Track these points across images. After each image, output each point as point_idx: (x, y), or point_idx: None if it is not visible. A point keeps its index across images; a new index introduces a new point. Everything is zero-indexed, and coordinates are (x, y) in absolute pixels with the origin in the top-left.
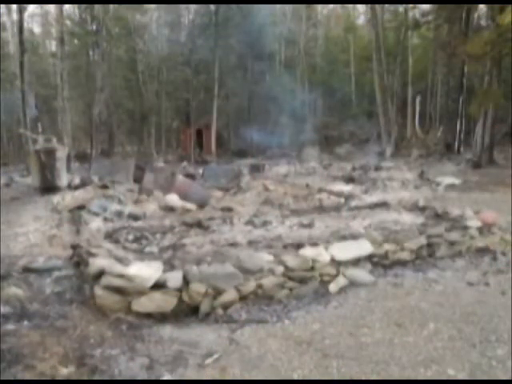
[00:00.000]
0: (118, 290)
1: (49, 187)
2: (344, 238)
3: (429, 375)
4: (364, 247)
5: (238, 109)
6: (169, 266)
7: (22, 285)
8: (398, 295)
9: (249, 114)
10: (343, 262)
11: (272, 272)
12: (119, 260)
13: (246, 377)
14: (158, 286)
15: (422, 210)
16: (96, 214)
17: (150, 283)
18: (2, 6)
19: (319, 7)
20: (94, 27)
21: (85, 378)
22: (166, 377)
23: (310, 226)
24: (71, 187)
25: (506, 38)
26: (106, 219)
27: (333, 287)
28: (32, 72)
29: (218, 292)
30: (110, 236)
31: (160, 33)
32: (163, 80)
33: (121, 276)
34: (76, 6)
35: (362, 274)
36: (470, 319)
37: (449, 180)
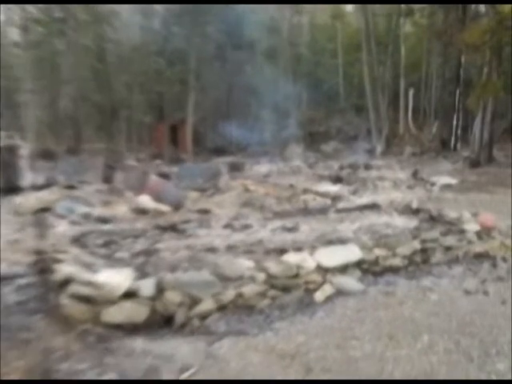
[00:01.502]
0: (85, 299)
1: (11, 187)
2: (331, 242)
3: None
4: (353, 253)
5: (215, 102)
6: (141, 272)
7: None
8: (389, 305)
9: (228, 109)
10: (330, 268)
11: (253, 280)
12: (87, 266)
13: None
14: (129, 294)
15: (416, 212)
16: (62, 217)
17: (121, 292)
18: None
19: None
20: (61, 14)
21: None
22: None
23: (294, 229)
24: (35, 187)
25: (506, 26)
26: (72, 222)
27: (319, 296)
28: None
29: (195, 301)
30: (77, 240)
31: (131, 20)
32: (135, 71)
33: (89, 284)
34: None
35: (350, 281)
36: (467, 330)
37: (444, 180)
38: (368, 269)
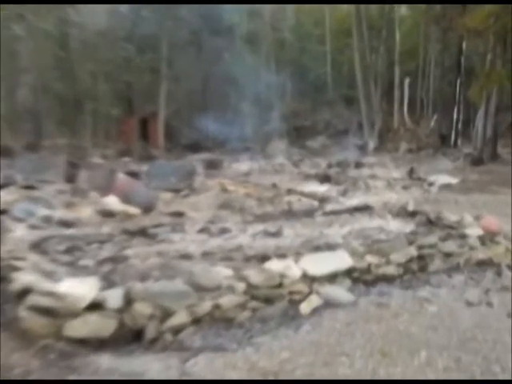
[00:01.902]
0: (46, 312)
1: None
2: (318, 248)
3: None
4: (342, 260)
5: (190, 93)
6: (107, 282)
7: None
8: (383, 317)
9: (204, 100)
10: (317, 277)
11: (231, 290)
12: (48, 275)
13: None
14: (95, 306)
15: (412, 215)
16: (20, 220)
17: (85, 303)
18: None
19: None
20: None
21: None
22: None
23: (277, 234)
24: None
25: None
26: (31, 226)
27: (305, 308)
28: None
29: (167, 314)
30: (37, 246)
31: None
32: (101, 59)
33: (50, 294)
34: None
35: (339, 291)
36: (469, 346)
37: (444, 179)
38: (359, 278)
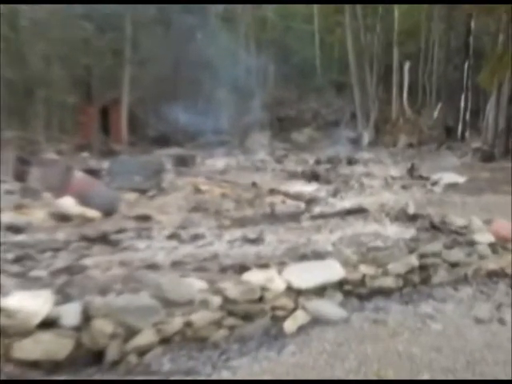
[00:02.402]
0: None
1: None
2: (305, 257)
3: None
4: (332, 270)
5: (158, 79)
6: (63, 296)
7: None
8: (379, 336)
9: (173, 87)
10: (303, 290)
11: (205, 305)
12: None
13: None
14: (48, 323)
15: (413, 218)
16: None
17: (37, 320)
18: None
19: None
20: None
21: None
22: None
23: (257, 240)
24: None
25: None
26: None
27: (289, 325)
28: None
29: (131, 332)
30: None
31: None
32: (55, 39)
33: None
34: None
35: (329, 307)
36: (478, 369)
37: (449, 177)
38: (352, 291)
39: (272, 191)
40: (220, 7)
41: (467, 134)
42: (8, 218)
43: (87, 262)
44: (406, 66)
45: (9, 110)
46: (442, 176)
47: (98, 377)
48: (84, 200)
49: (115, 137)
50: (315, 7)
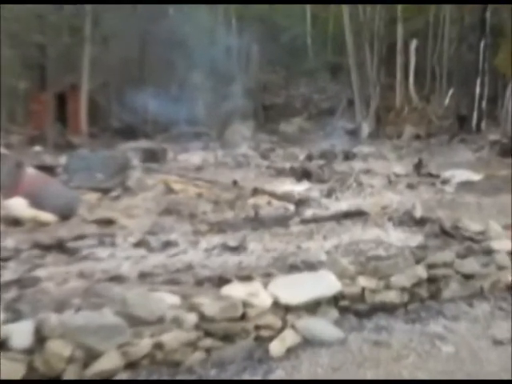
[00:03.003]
0: None
1: None
2: (294, 268)
3: None
4: (326, 283)
5: (123, 61)
6: (12, 313)
7: None
8: (381, 360)
9: (141, 70)
10: (293, 306)
11: (178, 323)
12: None
13: None
14: None
15: (420, 223)
16: None
17: None
18: None
19: None
20: None
21: None
22: None
23: (239, 248)
24: None
25: None
26: None
27: (277, 347)
28: None
29: (92, 355)
30: None
31: None
32: (3, 15)
33: None
34: None
35: (322, 326)
36: None
37: (463, 175)
38: (349, 307)
39: (256, 191)
40: None
41: (483, 124)
42: None
43: (41, 273)
44: (413, 45)
45: None
46: (454, 173)
47: None
48: (37, 201)
49: (73, 128)
50: None
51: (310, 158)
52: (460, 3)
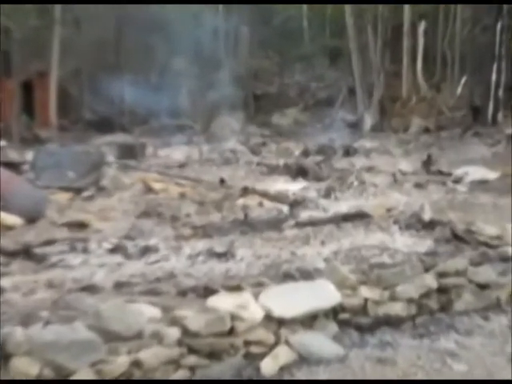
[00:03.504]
0: None
1: None
2: (288, 276)
3: None
4: (324, 294)
5: (97, 45)
6: None
7: None
8: (386, 379)
9: (117, 55)
10: (287, 320)
11: (159, 338)
12: None
13: None
14: None
15: (430, 226)
16: None
17: None
18: None
19: None
20: None
21: None
22: None
23: (227, 255)
24: None
25: None
26: None
27: (269, 366)
28: None
29: (62, 374)
30: None
31: None
32: None
33: None
34: None
35: (320, 341)
36: None
37: (477, 173)
38: (350, 320)
39: (246, 191)
40: None
41: (500, 116)
42: None
43: (5, 282)
44: (421, 27)
45: None
46: (467, 171)
47: None
48: (0, 202)
49: (41, 120)
50: None
51: (306, 153)
52: (460, 3)
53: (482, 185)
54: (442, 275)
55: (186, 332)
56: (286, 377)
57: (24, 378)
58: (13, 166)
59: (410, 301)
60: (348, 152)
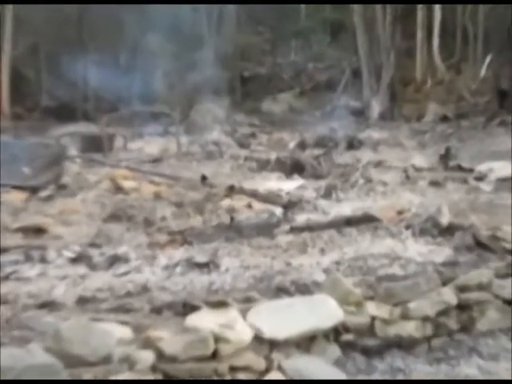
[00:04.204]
0: None
1: None
2: (282, 291)
3: None
4: (324, 311)
5: (56, 18)
6: None
7: None
8: None
9: (80, 31)
10: (280, 342)
11: (130, 364)
12: None
13: None
14: None
15: (448, 232)
16: None
17: None
18: None
19: None
20: None
21: None
22: None
23: (209, 265)
24: None
25: None
26: None
27: None
28: None
29: None
30: None
31: None
32: None
33: None
34: None
35: (319, 367)
36: None
37: (504, 169)
38: (354, 343)
39: (232, 190)
40: None
41: None
42: None
43: None
44: None
45: None
46: (492, 166)
47: None
48: None
49: None
50: None
51: (302, 146)
52: (461, 3)
53: (509, 183)
54: (462, 289)
55: (161, 356)
56: None
57: None
58: None
59: (425, 319)
60: (352, 144)
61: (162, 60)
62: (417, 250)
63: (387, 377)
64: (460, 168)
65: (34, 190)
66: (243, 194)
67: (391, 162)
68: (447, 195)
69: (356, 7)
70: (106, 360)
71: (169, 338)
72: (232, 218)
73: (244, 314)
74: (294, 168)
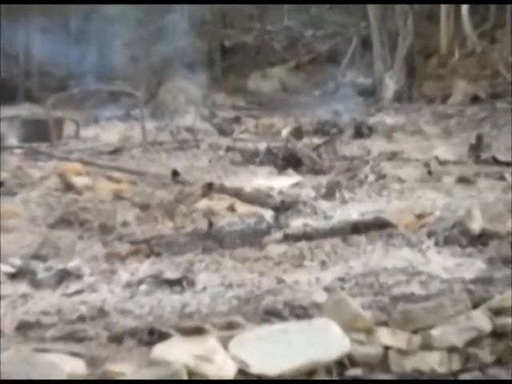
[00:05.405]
0: None
1: None
2: (273, 314)
3: None
4: (326, 340)
5: None
6: None
7: None
8: None
9: None
10: (272, 377)
11: None
12: None
13: None
14: None
15: (480, 240)
16: None
17: None
18: None
19: None
20: None
21: None
22: None
23: (182, 283)
24: None
25: None
26: None
27: None
28: None
29: None
30: None
31: None
32: None
33: None
34: None
35: None
36: None
37: None
38: (364, 379)
39: (210, 189)
40: None
41: None
42: None
43: None
44: None
45: None
46: None
47: None
48: None
49: None
50: None
51: (298, 133)
52: (461, 3)
53: None
54: (497, 312)
55: None
56: None
57: None
58: None
59: (451, 350)
60: (360, 132)
61: (122, 27)
62: (441, 263)
63: None
64: (495, 161)
65: None
66: (224, 194)
67: (409, 154)
68: (479, 195)
69: None
70: None
71: (131, 373)
72: (210, 224)
73: (225, 343)
74: (288, 161)
